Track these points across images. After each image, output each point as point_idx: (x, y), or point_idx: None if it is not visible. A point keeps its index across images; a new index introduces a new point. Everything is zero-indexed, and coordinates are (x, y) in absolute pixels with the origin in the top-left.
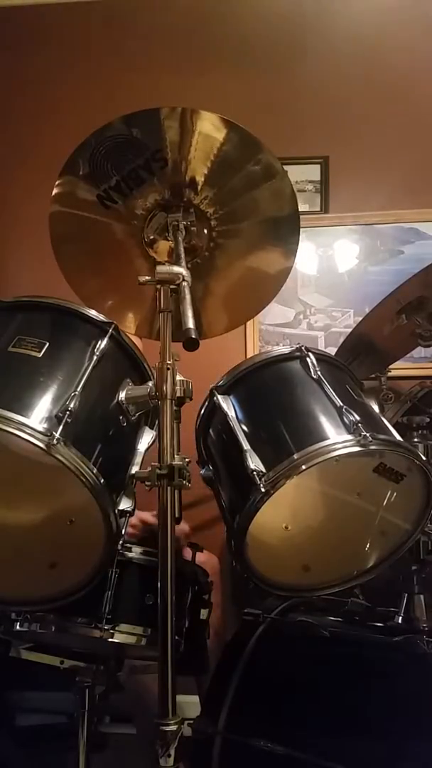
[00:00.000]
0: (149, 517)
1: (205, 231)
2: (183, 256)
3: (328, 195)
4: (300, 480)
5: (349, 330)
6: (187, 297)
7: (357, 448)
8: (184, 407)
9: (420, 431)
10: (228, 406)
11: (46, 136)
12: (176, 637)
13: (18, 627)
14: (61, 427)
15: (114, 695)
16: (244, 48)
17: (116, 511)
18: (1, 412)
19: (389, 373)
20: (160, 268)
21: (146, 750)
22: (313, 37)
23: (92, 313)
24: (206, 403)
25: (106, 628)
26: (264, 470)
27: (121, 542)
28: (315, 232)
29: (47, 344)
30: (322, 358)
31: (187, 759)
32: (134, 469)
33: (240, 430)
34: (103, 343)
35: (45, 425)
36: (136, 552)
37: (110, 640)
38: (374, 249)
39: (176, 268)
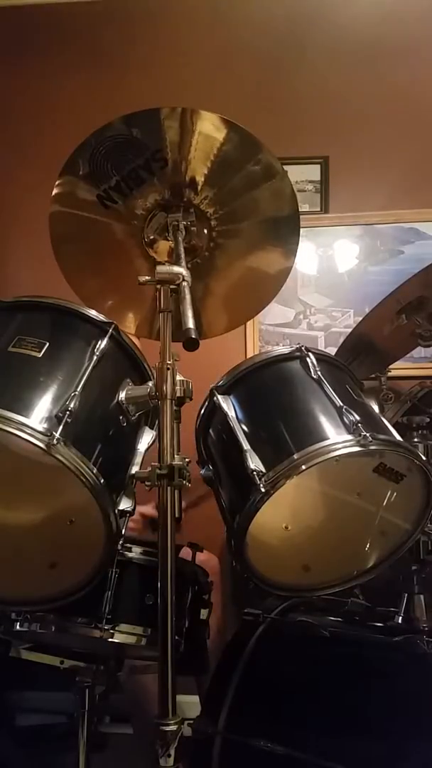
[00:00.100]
0: (148, 509)
1: (205, 231)
2: (183, 256)
3: (328, 195)
4: (300, 480)
5: (349, 330)
6: (187, 297)
7: (357, 448)
8: (184, 407)
9: (420, 431)
10: (228, 406)
11: (46, 136)
12: (176, 637)
13: (18, 627)
14: (61, 427)
15: (113, 695)
16: (244, 48)
17: (116, 511)
18: (1, 412)
19: (389, 373)
20: (160, 268)
21: (145, 750)
22: (313, 37)
23: (92, 313)
24: (206, 403)
25: (106, 628)
26: (264, 470)
27: (121, 542)
28: (315, 232)
29: (47, 344)
30: (322, 358)
31: (187, 759)
32: (134, 469)
33: (240, 430)
34: (103, 343)
35: (45, 425)
36: (136, 552)
37: (110, 640)
38: (374, 249)
39: (176, 268)
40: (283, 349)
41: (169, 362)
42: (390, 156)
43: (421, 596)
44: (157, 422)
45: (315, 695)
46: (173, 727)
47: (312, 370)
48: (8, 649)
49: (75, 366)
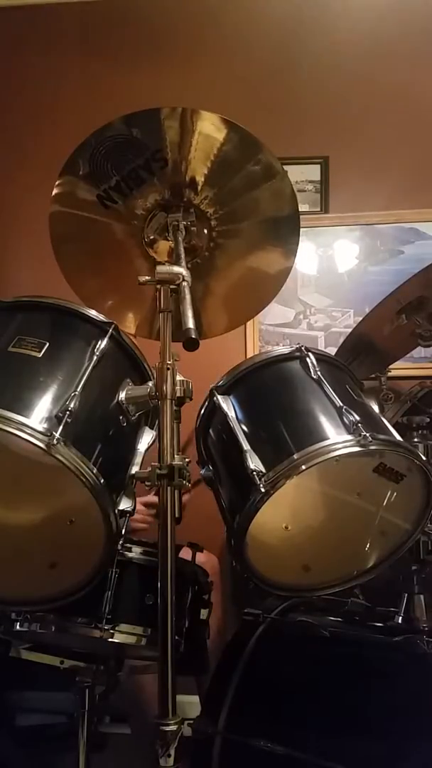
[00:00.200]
0: (150, 497)
1: (205, 231)
2: (183, 256)
3: (328, 195)
4: (300, 480)
5: (349, 330)
6: (187, 297)
7: (357, 448)
8: (184, 407)
9: (420, 431)
10: (228, 406)
11: (46, 136)
12: (176, 637)
13: (18, 627)
14: (61, 427)
15: (113, 695)
16: (245, 48)
17: (116, 511)
18: (1, 412)
19: (389, 373)
20: (160, 268)
21: (144, 750)
22: (313, 38)
23: (92, 313)
24: (206, 403)
25: (106, 628)
26: (264, 470)
27: (121, 542)
28: (315, 232)
29: (47, 344)
30: (322, 358)
31: (187, 759)
32: (134, 469)
33: (240, 431)
34: (103, 343)
35: (45, 425)
36: (136, 552)
37: (110, 640)
38: (374, 249)
39: (176, 268)
40: (283, 349)
41: (169, 362)
42: (390, 156)
43: (421, 596)
44: (157, 422)
45: (315, 695)
46: (173, 727)
47: (312, 370)
48: (8, 649)
49: (75, 366)
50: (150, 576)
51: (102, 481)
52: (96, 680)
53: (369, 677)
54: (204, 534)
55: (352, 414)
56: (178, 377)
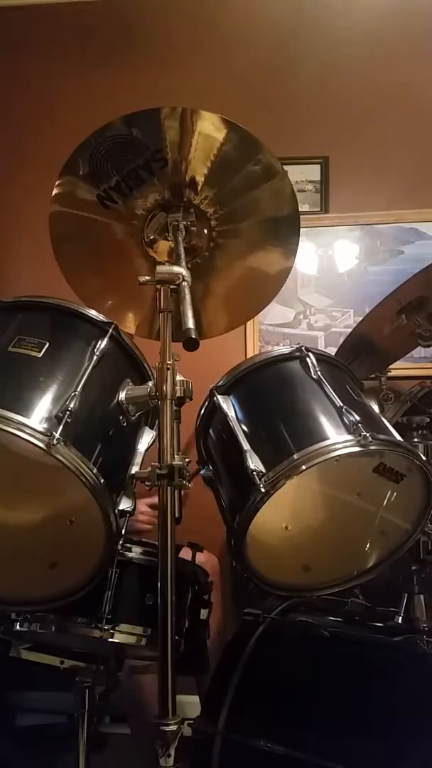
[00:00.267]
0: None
1: (205, 231)
2: (183, 256)
3: (328, 195)
4: (300, 480)
5: (349, 330)
6: (187, 297)
7: (357, 448)
8: (184, 407)
9: (420, 431)
10: (228, 406)
11: (46, 136)
12: (176, 637)
13: (18, 627)
14: (61, 427)
15: (113, 695)
16: (244, 48)
17: (116, 511)
18: (1, 412)
19: (389, 373)
20: (160, 268)
21: (144, 750)
22: (313, 38)
23: (92, 313)
24: (206, 403)
25: (106, 628)
26: (264, 470)
27: (121, 542)
28: (315, 232)
29: (47, 344)
30: (322, 358)
31: (187, 759)
32: (134, 469)
33: (240, 431)
34: (103, 343)
35: (45, 425)
36: (136, 552)
37: (110, 640)
38: (374, 249)
39: (176, 268)
40: (283, 349)
41: (169, 362)
42: (390, 156)
43: (421, 596)
44: (157, 422)
45: (315, 695)
46: (173, 727)
47: (312, 370)
48: (8, 649)
49: (75, 366)
50: (150, 576)
51: (102, 481)
52: (96, 680)
53: (369, 677)
54: (204, 534)
55: (352, 414)
56: (178, 377)
